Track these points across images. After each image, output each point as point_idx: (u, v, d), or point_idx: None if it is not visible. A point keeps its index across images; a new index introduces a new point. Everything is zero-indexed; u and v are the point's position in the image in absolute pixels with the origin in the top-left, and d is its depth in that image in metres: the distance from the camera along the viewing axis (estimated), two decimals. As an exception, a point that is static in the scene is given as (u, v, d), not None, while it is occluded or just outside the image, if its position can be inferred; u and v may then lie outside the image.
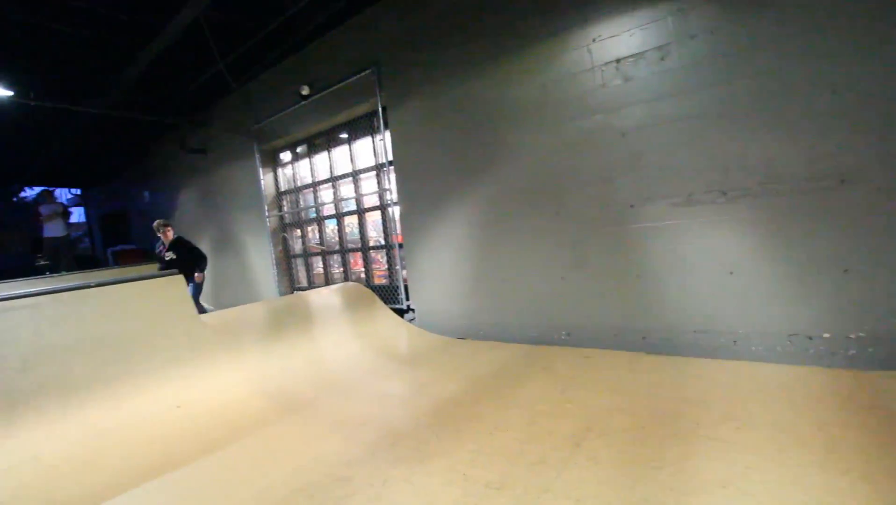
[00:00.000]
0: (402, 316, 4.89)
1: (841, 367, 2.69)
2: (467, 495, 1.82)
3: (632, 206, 3.44)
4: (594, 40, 3.56)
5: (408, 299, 5.04)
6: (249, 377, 3.36)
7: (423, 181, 4.77)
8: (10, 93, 6.31)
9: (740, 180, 3.00)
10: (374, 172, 5.61)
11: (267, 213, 6.89)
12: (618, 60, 3.46)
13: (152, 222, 6.13)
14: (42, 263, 9.26)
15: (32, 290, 3.08)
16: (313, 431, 2.60)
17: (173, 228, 6.10)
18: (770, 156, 2.90)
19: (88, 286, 3.25)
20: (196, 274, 5.82)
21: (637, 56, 3.38)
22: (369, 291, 4.91)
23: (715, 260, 3.12)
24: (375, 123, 5.32)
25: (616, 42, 3.46)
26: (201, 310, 5.60)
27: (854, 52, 2.62)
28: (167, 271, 3.76)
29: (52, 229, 9.18)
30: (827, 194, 2.74)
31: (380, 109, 5.08)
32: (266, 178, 6.97)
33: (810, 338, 2.84)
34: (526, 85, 3.93)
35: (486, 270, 4.33)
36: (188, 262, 5.89)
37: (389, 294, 5.24)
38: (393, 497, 1.86)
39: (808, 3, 2.74)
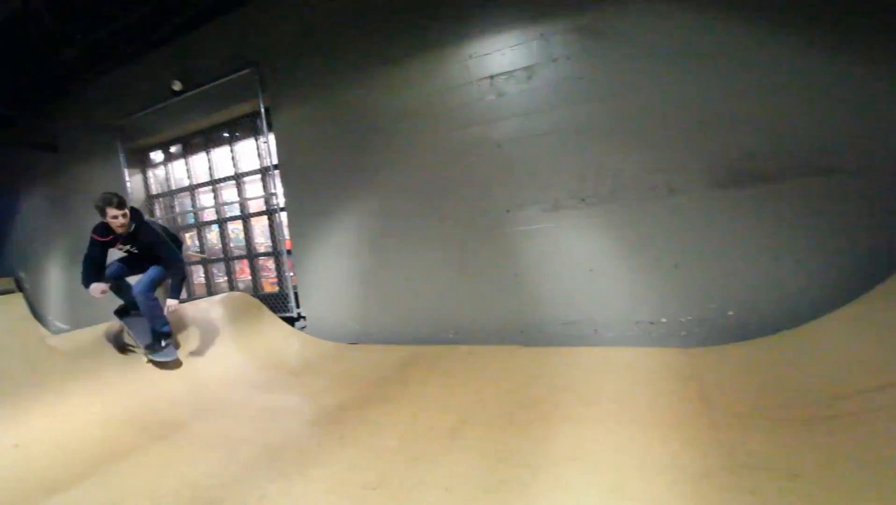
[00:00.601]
0: (292, 324, 4.73)
1: (675, 346, 3.19)
2: (343, 498, 1.86)
3: (508, 211, 3.72)
4: (471, 56, 3.80)
5: (298, 307, 4.89)
6: (108, 405, 3.01)
7: (311, 186, 4.66)
8: None
9: (595, 189, 3.41)
10: (259, 176, 5.35)
11: (136, 220, 6.19)
12: (492, 77, 3.73)
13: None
14: None
15: None
16: (183, 455, 2.43)
17: (134, 212, 3.31)
18: (618, 168, 3.34)
19: None
20: (169, 301, 3.44)
21: (508, 74, 3.67)
22: (255, 301, 4.67)
23: (579, 259, 3.51)
24: (259, 125, 5.07)
25: (490, 60, 3.73)
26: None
27: (677, 84, 3.13)
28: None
29: None
30: (661, 202, 3.24)
31: (262, 111, 4.86)
32: (133, 181, 6.26)
33: (652, 323, 3.32)
34: (411, 94, 4.05)
35: (377, 275, 4.37)
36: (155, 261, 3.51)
37: (279, 302, 5.03)
38: (267, 512, 1.83)
39: (644, 39, 3.21)
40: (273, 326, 4.46)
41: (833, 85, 2.79)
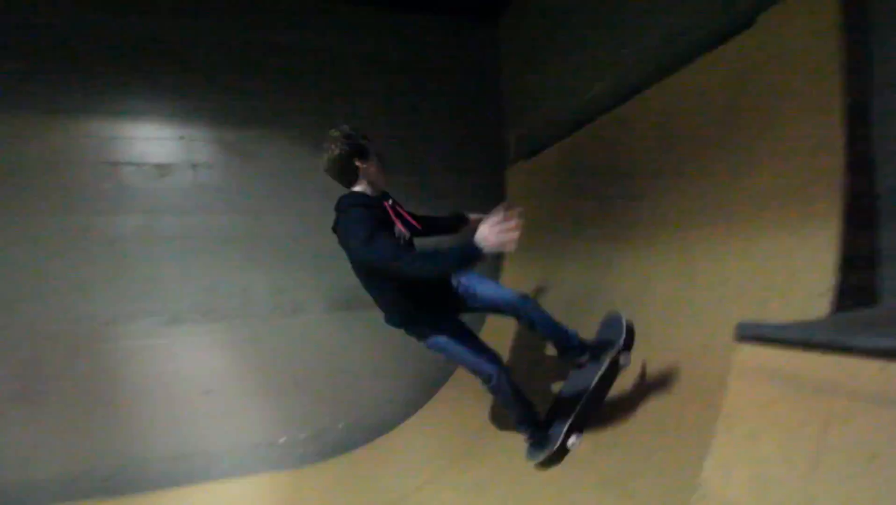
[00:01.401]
0: None
1: (289, 467, 3.16)
2: None
3: (111, 322, 3.09)
4: (88, 135, 3.24)
5: None
6: None
7: None
8: None
9: (222, 302, 3.28)
10: None
11: None
12: (114, 164, 3.25)
13: None
14: None
15: None
16: None
17: None
18: (247, 284, 3.35)
19: None
20: None
21: (137, 166, 3.28)
22: None
23: (194, 379, 3.16)
24: None
25: (115, 144, 3.26)
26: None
27: (305, 214, 3.49)
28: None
29: None
30: (285, 320, 3.38)
31: None
32: None
33: (271, 445, 3.24)
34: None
35: None
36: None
37: None
38: None
39: (281, 167, 3.50)
40: None
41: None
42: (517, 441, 2.45)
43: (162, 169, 3.34)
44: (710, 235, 1.85)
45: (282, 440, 3.26)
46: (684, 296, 1.87)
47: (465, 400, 3.12)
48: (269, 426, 3.25)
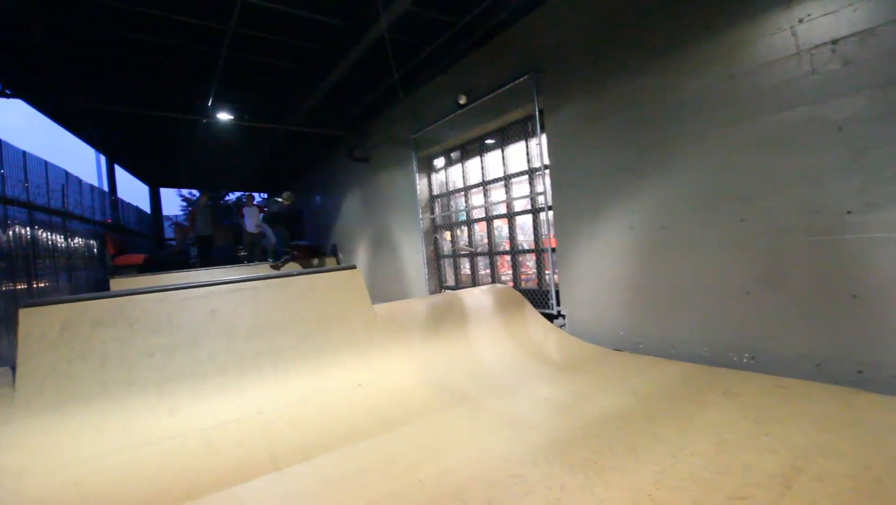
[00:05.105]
0: (551, 321, 4.82)
1: None
2: (656, 517, 1.72)
3: (849, 212, 2.88)
4: (801, 21, 3.09)
5: (559, 305, 4.96)
6: (415, 366, 3.64)
7: (581, 184, 4.64)
8: (231, 117, 7.85)
9: None
10: (526, 176, 5.65)
11: (420, 216, 7.41)
12: (834, 41, 2.94)
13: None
14: (243, 254, 11.28)
15: (253, 276, 3.77)
16: (479, 425, 2.71)
17: None
18: None
19: (291, 275, 3.87)
20: None
21: (862, 34, 2.82)
22: (519, 294, 4.95)
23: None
24: (530, 128, 5.35)
25: (832, 20, 2.95)
26: None
27: None
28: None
29: (249, 226, 11.03)
30: None
31: (537, 113, 5.09)
32: (421, 184, 7.50)
33: None
34: (707, 77, 3.57)
35: (649, 279, 4.04)
36: None
37: (538, 298, 5.21)
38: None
39: None
40: (535, 320, 4.63)
41: None
42: None
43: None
44: None
45: None
46: None
47: None
48: None
